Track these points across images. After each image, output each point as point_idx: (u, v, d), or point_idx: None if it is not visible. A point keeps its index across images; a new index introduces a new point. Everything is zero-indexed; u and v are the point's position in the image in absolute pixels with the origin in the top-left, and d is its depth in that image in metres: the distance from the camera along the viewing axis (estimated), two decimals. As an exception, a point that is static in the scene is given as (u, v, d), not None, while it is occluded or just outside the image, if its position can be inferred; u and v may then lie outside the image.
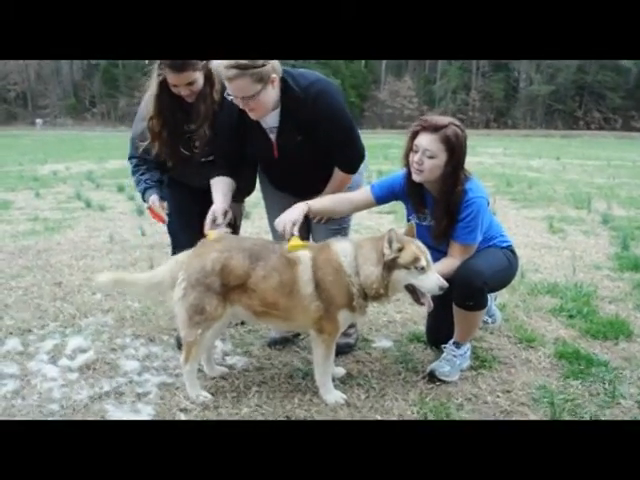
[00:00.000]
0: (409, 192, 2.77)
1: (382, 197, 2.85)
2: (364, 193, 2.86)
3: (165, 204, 3.06)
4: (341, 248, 2.48)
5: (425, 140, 2.55)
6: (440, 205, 2.66)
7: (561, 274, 4.55)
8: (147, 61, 2.83)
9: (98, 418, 2.42)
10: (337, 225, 2.92)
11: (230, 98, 2.58)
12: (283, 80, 2.57)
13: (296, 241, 2.50)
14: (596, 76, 52.72)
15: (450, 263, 2.67)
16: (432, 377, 2.75)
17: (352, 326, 2.96)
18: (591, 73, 52.87)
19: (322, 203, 2.72)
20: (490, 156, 19.48)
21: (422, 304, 2.46)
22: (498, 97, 56.30)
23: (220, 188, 2.82)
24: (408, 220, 2.91)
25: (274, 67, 2.49)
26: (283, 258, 2.47)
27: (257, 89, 2.46)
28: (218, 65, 2.45)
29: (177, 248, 2.91)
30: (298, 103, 2.58)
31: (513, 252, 2.91)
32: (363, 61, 61.54)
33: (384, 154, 18.58)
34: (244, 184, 3.00)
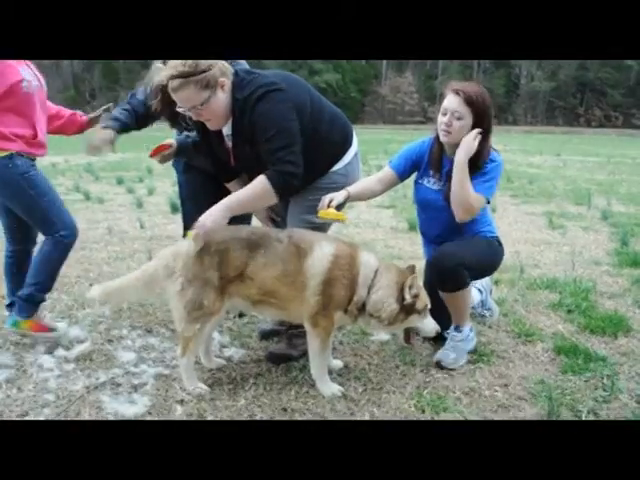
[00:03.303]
0: (431, 154, 2.84)
1: (401, 168, 2.92)
2: (386, 170, 2.93)
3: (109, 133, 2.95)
4: (365, 260, 2.51)
5: (453, 102, 2.64)
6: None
7: (560, 269, 4.55)
8: None
9: (94, 409, 2.41)
10: (307, 214, 2.72)
11: (182, 111, 2.45)
12: (234, 86, 2.44)
13: (331, 210, 2.56)
14: (597, 73, 52.67)
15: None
16: (439, 367, 2.81)
17: (301, 336, 2.70)
18: (592, 70, 52.80)
19: (358, 188, 2.78)
20: (490, 152, 19.42)
21: (411, 344, 2.76)
22: (499, 93, 56.18)
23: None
24: (416, 184, 2.96)
25: (222, 70, 2.37)
26: (291, 247, 2.44)
27: (205, 96, 2.34)
28: (162, 79, 2.34)
29: None
30: (242, 112, 2.44)
31: (499, 242, 2.97)
32: (364, 56, 61.45)
33: (384, 149, 18.57)
34: None
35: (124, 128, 3.01)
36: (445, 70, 58.57)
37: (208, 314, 2.46)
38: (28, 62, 2.83)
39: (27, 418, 2.34)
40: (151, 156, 3.04)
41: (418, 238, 3.04)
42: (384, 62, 61.04)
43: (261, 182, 2.41)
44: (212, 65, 2.33)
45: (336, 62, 54.25)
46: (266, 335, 3.17)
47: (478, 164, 2.69)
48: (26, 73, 2.72)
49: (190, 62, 2.29)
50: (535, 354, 2.98)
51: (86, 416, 2.36)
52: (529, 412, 2.41)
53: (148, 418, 2.35)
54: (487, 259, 2.89)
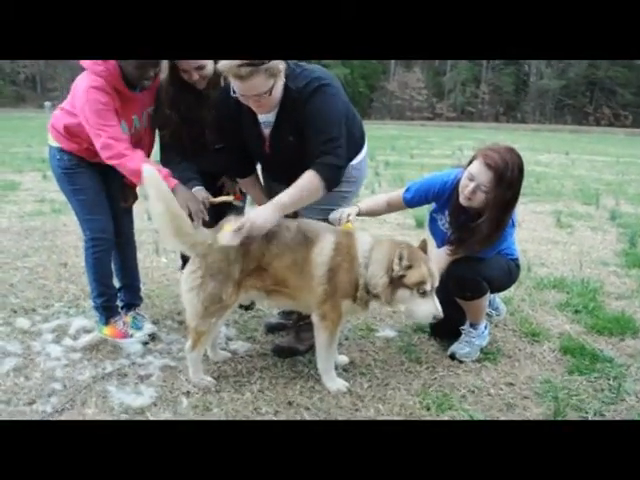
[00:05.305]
0: (452, 203, 2.74)
1: (413, 202, 2.89)
2: (398, 197, 2.91)
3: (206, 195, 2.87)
4: (361, 238, 2.50)
5: (482, 175, 2.52)
6: (469, 230, 2.67)
7: (568, 269, 4.53)
8: None
9: (100, 399, 2.43)
10: (326, 204, 2.71)
11: (236, 97, 2.45)
12: (286, 75, 2.46)
13: (349, 225, 2.63)
14: (607, 72, 52.20)
15: (442, 259, 2.74)
16: (453, 359, 2.86)
17: (309, 330, 2.70)
18: (602, 69, 52.33)
19: (368, 205, 2.88)
20: (498, 150, 19.28)
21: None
22: (508, 91, 55.93)
23: (255, 190, 2.92)
24: (431, 216, 2.95)
25: None
26: (299, 236, 2.46)
27: (270, 84, 2.37)
28: (227, 65, 2.30)
29: None
30: (294, 102, 2.47)
31: (517, 265, 2.96)
32: (373, 51, 61.10)
33: (392, 145, 18.52)
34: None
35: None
36: (454, 66, 58.21)
37: (224, 308, 2.46)
38: (138, 112, 2.84)
39: (34, 406, 2.36)
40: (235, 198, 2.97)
41: (425, 234, 3.02)
42: (393, 57, 60.77)
43: (310, 177, 2.43)
44: None
45: (344, 57, 54.02)
46: (272, 329, 3.17)
47: (493, 239, 2.65)
48: (123, 126, 2.75)
49: None
50: (541, 354, 2.97)
51: (92, 406, 2.37)
52: (534, 412, 2.40)
53: (154, 410, 2.37)
54: (503, 278, 2.88)
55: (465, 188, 2.57)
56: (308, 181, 2.43)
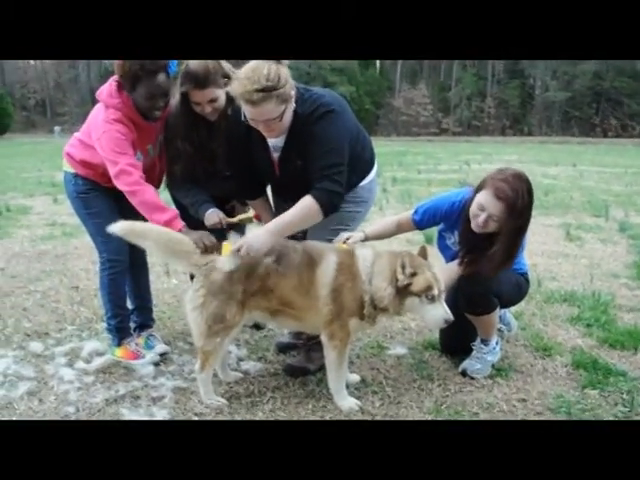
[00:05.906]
0: (462, 225, 2.74)
1: (422, 224, 2.90)
2: (408, 219, 2.91)
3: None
4: (362, 255, 2.49)
5: (492, 206, 2.52)
6: (480, 251, 2.67)
7: (578, 282, 4.50)
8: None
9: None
10: (336, 225, 2.72)
11: (247, 122, 2.48)
12: (296, 99, 2.47)
13: (344, 246, 2.61)
14: (613, 82, 52.10)
15: (452, 273, 2.74)
16: (465, 375, 2.84)
17: (319, 350, 2.66)
18: (608, 79, 52.26)
19: (375, 229, 2.91)
20: (506, 163, 19.25)
21: None
22: (514, 104, 55.96)
23: (265, 213, 2.93)
24: (440, 234, 2.96)
25: (290, 83, 2.40)
26: (305, 257, 2.48)
27: (281, 110, 2.38)
28: (238, 90, 2.32)
29: None
30: (302, 128, 2.49)
31: (526, 279, 2.95)
32: (378, 68, 61.67)
33: (398, 161, 18.57)
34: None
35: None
36: (459, 81, 58.46)
37: (229, 327, 2.48)
38: (152, 141, 2.93)
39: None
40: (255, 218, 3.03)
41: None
42: (397, 74, 61.10)
43: (308, 202, 2.43)
44: (287, 78, 2.35)
45: (350, 74, 54.42)
46: (283, 348, 3.18)
47: (507, 265, 2.66)
48: (139, 156, 2.84)
49: (272, 76, 2.29)
50: (554, 369, 2.95)
51: (106, 429, 2.39)
52: (548, 428, 2.38)
53: (167, 431, 2.37)
54: (513, 293, 2.88)
55: (477, 217, 2.57)
56: (306, 206, 2.44)
